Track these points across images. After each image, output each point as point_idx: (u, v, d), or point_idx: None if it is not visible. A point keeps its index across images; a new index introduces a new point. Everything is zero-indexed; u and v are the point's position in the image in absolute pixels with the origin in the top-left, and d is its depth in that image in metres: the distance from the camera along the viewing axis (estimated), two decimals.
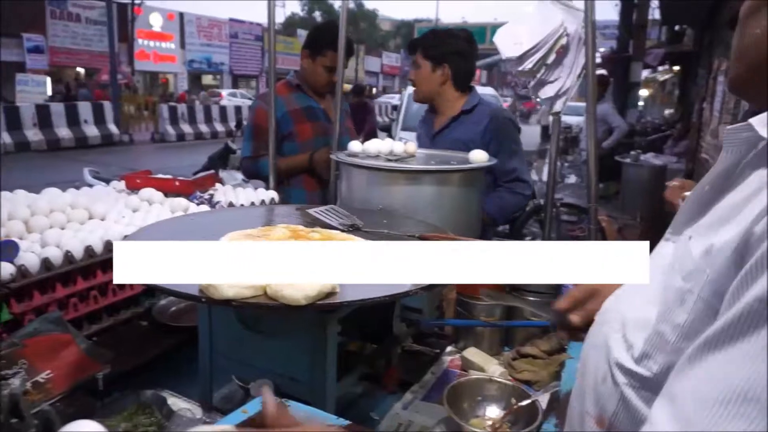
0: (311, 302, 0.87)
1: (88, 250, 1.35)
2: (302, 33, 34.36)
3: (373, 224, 1.35)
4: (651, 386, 0.62)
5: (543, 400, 1.17)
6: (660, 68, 19.34)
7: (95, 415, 1.11)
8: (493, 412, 1.18)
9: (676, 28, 14.72)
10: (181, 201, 1.74)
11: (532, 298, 1.55)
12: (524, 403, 1.14)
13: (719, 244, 0.56)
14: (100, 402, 1.14)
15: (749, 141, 0.60)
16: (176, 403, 1.18)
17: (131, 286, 1.50)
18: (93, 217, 1.57)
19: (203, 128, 17.39)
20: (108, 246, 1.39)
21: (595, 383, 0.71)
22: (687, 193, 1.57)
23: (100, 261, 1.38)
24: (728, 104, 5.97)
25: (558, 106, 1.75)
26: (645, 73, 16.12)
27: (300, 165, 2.51)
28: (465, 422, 1.11)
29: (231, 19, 30.55)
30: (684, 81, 16.26)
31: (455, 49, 2.18)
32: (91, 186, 1.96)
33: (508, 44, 1.70)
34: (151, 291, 1.57)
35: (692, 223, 0.67)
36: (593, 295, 0.92)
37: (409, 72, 2.33)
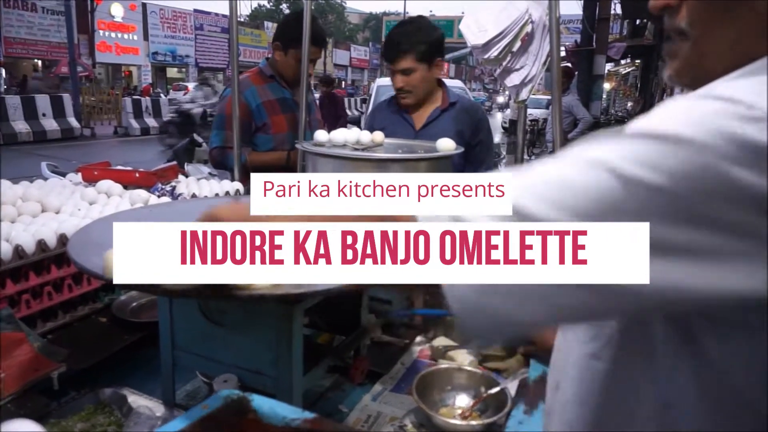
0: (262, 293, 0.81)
1: (41, 244, 1.29)
2: (269, 25, 33.98)
3: None
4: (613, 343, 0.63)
5: (512, 387, 1.18)
6: (622, 61, 19.79)
7: (50, 416, 1.07)
8: (463, 400, 1.18)
9: (637, 22, 15.08)
10: (141, 193, 1.68)
11: None
12: (493, 391, 1.15)
13: None
14: (55, 402, 1.10)
15: None
16: (137, 401, 1.15)
17: (89, 281, 1.44)
18: (47, 210, 1.51)
19: None
20: (62, 240, 1.33)
21: (567, 360, 0.71)
22: None
23: (54, 255, 1.32)
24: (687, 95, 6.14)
25: (524, 94, 1.75)
26: (608, 67, 16.46)
27: (276, 162, 2.43)
28: (434, 412, 1.11)
29: (196, 11, 29.88)
30: (645, 74, 16.68)
31: (441, 37, 2.12)
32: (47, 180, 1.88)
33: (473, 32, 1.69)
34: (110, 286, 1.52)
35: None
36: None
37: (395, 80, 2.12)
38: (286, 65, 2.50)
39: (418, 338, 1.52)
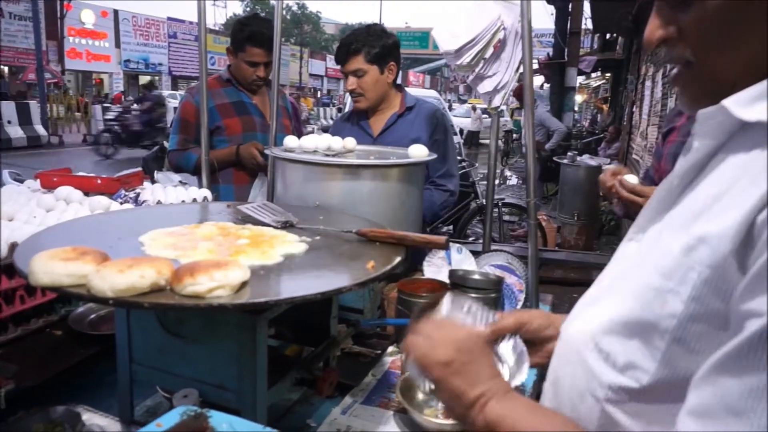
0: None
1: None
2: None
3: (309, 221, 1.28)
4: (640, 398, 0.57)
5: None
6: (593, 75, 20.24)
7: None
8: None
9: (607, 36, 15.45)
10: (102, 200, 1.61)
11: (473, 295, 1.53)
12: None
13: (710, 237, 0.52)
14: (2, 422, 1.03)
15: (723, 127, 0.57)
16: (92, 418, 1.08)
17: (43, 292, 1.36)
18: None
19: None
20: (14, 248, 1.26)
21: (572, 403, 0.66)
22: (627, 177, 1.61)
23: (4, 265, 1.24)
24: (656, 107, 6.28)
25: (497, 101, 1.74)
26: (580, 79, 16.81)
27: (227, 157, 2.47)
28: (419, 413, 1.09)
29: (169, 18, 29.56)
30: (614, 86, 17.07)
31: (395, 43, 2.12)
32: None
33: (445, 37, 1.68)
34: (67, 298, 1.44)
35: (660, 218, 0.64)
36: (522, 327, 0.87)
37: (347, 82, 2.12)
38: (237, 68, 2.53)
39: (390, 348, 1.48)
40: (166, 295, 0.80)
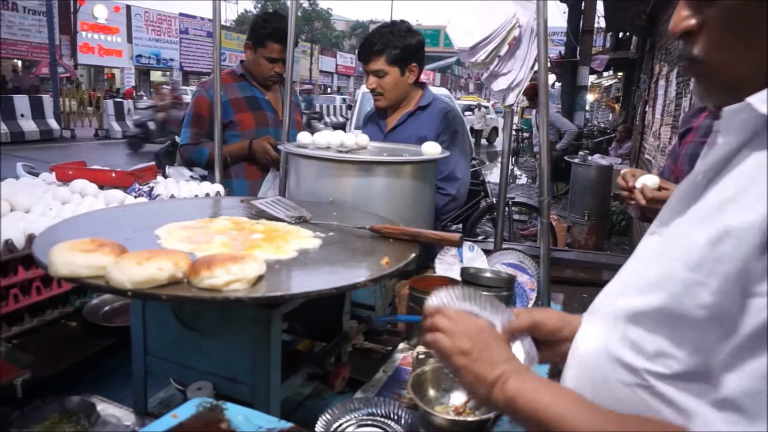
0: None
1: (8, 245, 1.23)
2: None
3: (322, 216, 1.29)
4: (671, 382, 0.59)
5: None
6: (605, 74, 20.09)
7: (11, 426, 1.01)
8: (457, 398, 1.17)
9: (620, 35, 15.32)
10: (117, 193, 1.62)
11: (485, 293, 1.53)
12: None
13: (736, 230, 0.53)
14: (18, 411, 1.04)
15: (748, 123, 0.57)
16: (106, 409, 1.10)
17: (59, 283, 1.38)
18: (15, 209, 1.44)
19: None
20: (31, 240, 1.27)
21: (594, 388, 0.69)
22: (647, 180, 1.58)
23: (22, 256, 1.26)
24: (669, 107, 6.22)
25: (511, 98, 1.73)
26: (591, 78, 16.68)
27: (239, 152, 2.47)
28: (430, 408, 1.09)
29: (181, 14, 29.68)
30: (627, 85, 16.94)
31: (419, 43, 2.10)
32: None
33: (460, 35, 1.67)
34: (82, 289, 1.46)
35: (684, 212, 0.64)
36: (536, 327, 0.89)
37: (368, 81, 2.11)
38: (254, 64, 2.54)
39: (401, 345, 1.48)
40: (183, 287, 0.81)
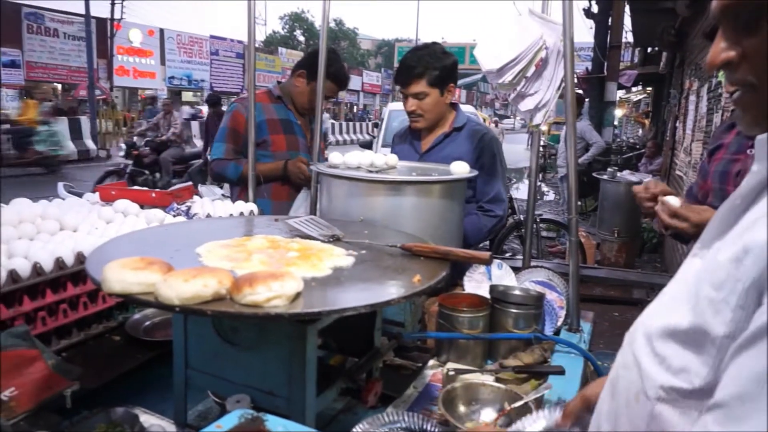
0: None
1: (58, 262, 1.30)
2: (283, 51, 34.59)
3: (354, 235, 1.32)
4: (690, 396, 0.60)
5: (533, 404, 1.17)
6: (633, 89, 19.83)
7: None
8: (488, 415, 1.19)
9: (649, 50, 15.15)
10: (157, 212, 1.70)
11: (514, 311, 1.54)
12: (517, 404, 1.15)
13: (753, 246, 0.55)
14: (67, 421, 1.10)
15: None
16: (149, 420, 1.14)
17: (103, 299, 1.45)
18: (64, 228, 1.52)
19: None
20: (80, 258, 1.34)
21: (628, 403, 0.70)
22: (669, 199, 1.57)
23: (71, 273, 1.33)
24: (700, 123, 6.12)
25: (538, 118, 1.76)
26: (620, 94, 16.50)
27: (273, 172, 2.50)
28: (461, 425, 1.11)
29: (212, 36, 30.50)
30: (656, 101, 16.68)
31: (454, 63, 2.14)
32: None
33: (487, 57, 1.71)
34: (125, 305, 1.52)
35: (723, 236, 0.66)
36: (588, 405, 0.88)
37: (407, 103, 2.13)
38: (304, 93, 2.59)
39: (431, 362, 1.50)
40: (226, 303, 0.85)
